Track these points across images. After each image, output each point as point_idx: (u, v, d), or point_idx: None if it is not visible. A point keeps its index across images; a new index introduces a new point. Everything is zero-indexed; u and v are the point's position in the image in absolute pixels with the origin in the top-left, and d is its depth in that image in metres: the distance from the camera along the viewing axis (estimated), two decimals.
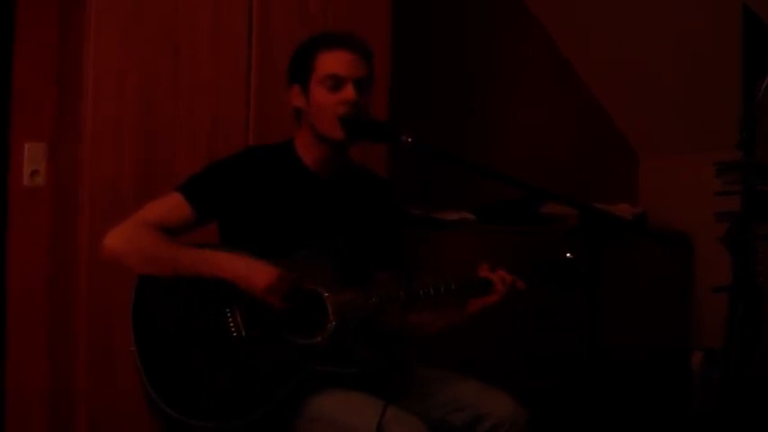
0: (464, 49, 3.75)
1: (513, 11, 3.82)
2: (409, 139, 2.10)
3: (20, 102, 3.03)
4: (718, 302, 2.92)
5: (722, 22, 3.02)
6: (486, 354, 3.20)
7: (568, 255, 2.23)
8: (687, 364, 2.73)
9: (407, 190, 2.46)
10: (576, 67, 3.90)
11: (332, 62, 2.20)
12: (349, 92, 2.18)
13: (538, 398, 2.40)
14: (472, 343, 3.12)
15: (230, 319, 2.08)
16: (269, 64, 2.85)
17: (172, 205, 2.18)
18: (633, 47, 3.57)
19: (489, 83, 3.80)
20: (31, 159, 3.03)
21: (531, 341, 3.36)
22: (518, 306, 2.67)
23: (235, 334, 2.07)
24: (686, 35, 3.30)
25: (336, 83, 2.19)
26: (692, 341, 3.57)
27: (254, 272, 2.08)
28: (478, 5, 3.78)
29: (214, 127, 2.84)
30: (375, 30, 2.92)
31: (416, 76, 3.54)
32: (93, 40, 2.70)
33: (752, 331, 2.79)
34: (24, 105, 3.03)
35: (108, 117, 2.73)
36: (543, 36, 3.87)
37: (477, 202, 3.50)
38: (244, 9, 2.86)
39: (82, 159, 2.73)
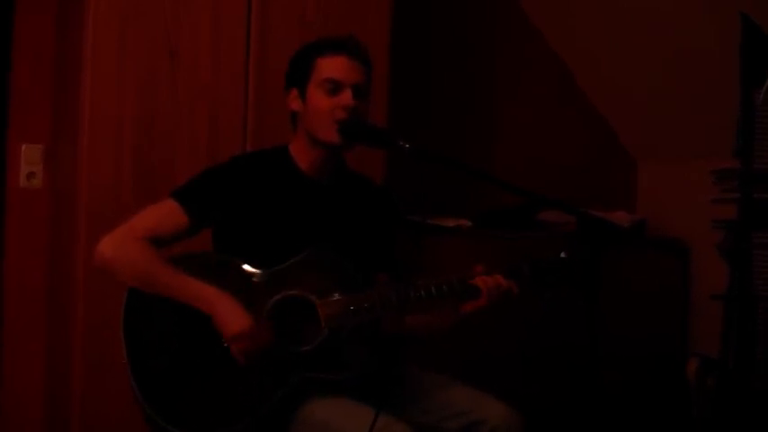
0: (463, 55, 3.76)
1: (513, 18, 3.83)
2: (406, 145, 2.11)
3: (17, 103, 3.03)
4: (714, 310, 2.92)
5: (721, 31, 3.03)
6: (481, 359, 3.20)
7: (563, 255, 2.23)
8: (683, 371, 2.73)
9: (405, 197, 2.46)
10: (574, 75, 3.90)
11: (331, 67, 2.21)
12: (347, 97, 2.18)
13: (534, 404, 2.40)
14: (467, 348, 3.11)
15: None
16: (267, 69, 2.85)
17: (166, 212, 2.17)
18: (631, 54, 3.57)
19: (488, 90, 3.80)
20: (28, 161, 3.03)
21: (527, 347, 3.35)
22: (514, 310, 2.67)
23: (226, 344, 2.06)
24: (685, 43, 3.30)
25: (335, 87, 2.19)
26: (688, 348, 3.57)
27: (230, 315, 2.05)
28: (478, 13, 3.78)
29: (213, 130, 2.84)
30: (374, 36, 2.91)
31: (415, 82, 3.54)
32: (92, 42, 2.70)
33: (748, 339, 2.79)
34: (22, 107, 3.03)
35: (106, 119, 2.73)
36: (542, 44, 3.87)
37: (475, 209, 3.50)
38: (242, 14, 2.86)
39: (80, 162, 2.73)
